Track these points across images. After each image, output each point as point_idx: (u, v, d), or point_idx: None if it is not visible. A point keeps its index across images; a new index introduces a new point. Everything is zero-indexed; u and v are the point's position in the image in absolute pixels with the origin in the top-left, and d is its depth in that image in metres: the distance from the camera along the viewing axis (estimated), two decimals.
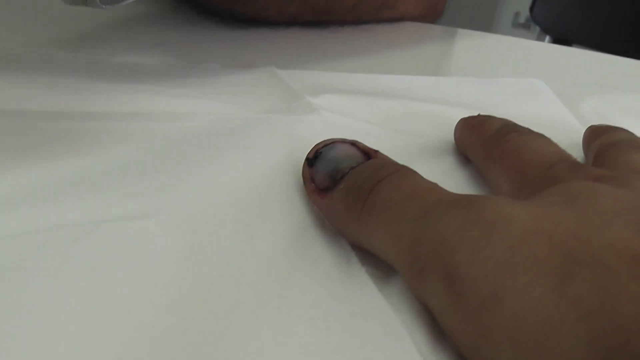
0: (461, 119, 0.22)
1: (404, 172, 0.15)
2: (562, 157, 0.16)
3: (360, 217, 0.14)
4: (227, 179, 0.16)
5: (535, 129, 0.19)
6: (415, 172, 0.15)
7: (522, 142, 0.17)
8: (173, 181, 0.15)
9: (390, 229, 0.13)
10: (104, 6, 0.18)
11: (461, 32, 0.41)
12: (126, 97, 0.22)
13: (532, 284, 0.10)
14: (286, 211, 0.16)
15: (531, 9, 1.12)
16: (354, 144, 0.17)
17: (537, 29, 1.16)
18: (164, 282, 0.12)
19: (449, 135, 0.23)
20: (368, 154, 0.16)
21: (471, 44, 0.40)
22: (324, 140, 0.17)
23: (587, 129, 0.22)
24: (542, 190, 0.14)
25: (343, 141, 0.17)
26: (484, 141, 0.19)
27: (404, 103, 0.25)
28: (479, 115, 0.22)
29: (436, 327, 0.12)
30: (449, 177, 0.21)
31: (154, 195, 0.14)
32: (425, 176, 0.16)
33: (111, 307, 0.11)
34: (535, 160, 0.16)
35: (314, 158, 0.17)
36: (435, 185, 0.14)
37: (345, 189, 0.15)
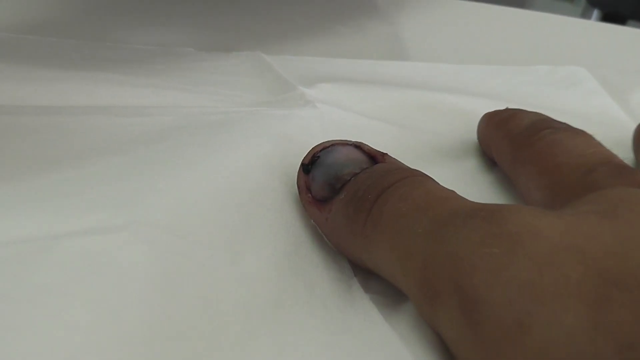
0: (486, 114, 0.22)
1: (415, 179, 0.15)
2: (605, 159, 0.16)
3: (363, 231, 0.14)
4: (207, 186, 0.16)
5: (575, 126, 0.19)
6: (428, 178, 0.15)
7: (556, 141, 0.18)
8: (143, 189, 0.15)
9: (398, 245, 0.13)
10: None
11: (489, 9, 0.41)
12: (84, 87, 0.22)
13: (563, 310, 0.11)
14: (277, 225, 0.16)
15: None
16: (358, 146, 0.17)
17: (583, 2, 1.16)
18: (135, 309, 0.12)
19: (472, 133, 0.23)
20: (375, 157, 0.17)
21: (501, 24, 0.40)
22: (323, 143, 0.17)
23: (639, 125, 0.23)
24: (579, 198, 0.14)
25: (345, 143, 0.17)
26: (512, 140, 0.19)
27: (417, 95, 0.25)
28: (506, 108, 0.22)
29: None
30: (470, 184, 0.21)
31: (120, 206, 0.14)
32: (441, 182, 0.16)
33: (72, 337, 0.11)
34: (571, 162, 0.17)
35: (310, 163, 0.17)
36: (452, 193, 0.15)
37: (346, 199, 0.15)
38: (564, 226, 0.12)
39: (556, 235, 0.12)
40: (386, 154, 0.17)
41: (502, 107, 0.22)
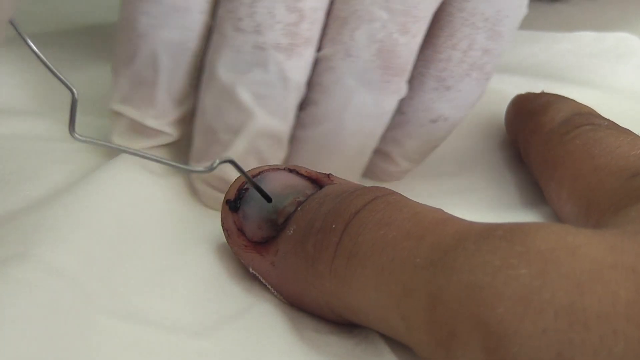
0: (516, 98, 0.22)
1: (389, 198, 0.14)
2: None
3: (333, 270, 0.14)
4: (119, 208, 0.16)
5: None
6: (403, 196, 0.15)
7: (596, 140, 0.17)
8: (38, 211, 0.14)
9: (388, 282, 0.13)
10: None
11: None
12: None
13: (612, 336, 0.10)
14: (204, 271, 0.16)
15: None
16: (293, 170, 0.16)
17: None
18: None
19: (497, 118, 0.22)
20: (318, 180, 0.16)
21: None
22: (248, 171, 0.16)
23: None
24: (619, 210, 0.14)
25: (276, 168, 0.16)
26: (543, 136, 0.19)
27: None
28: (541, 94, 0.21)
29: None
30: (490, 186, 0.20)
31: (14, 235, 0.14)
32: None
33: None
34: (612, 164, 0.16)
35: (237, 199, 0.16)
36: (444, 212, 0.14)
37: (299, 235, 0.15)
38: (608, 242, 0.12)
39: (599, 252, 0.11)
40: (331, 174, 0.16)
41: (537, 86, 0.21)
